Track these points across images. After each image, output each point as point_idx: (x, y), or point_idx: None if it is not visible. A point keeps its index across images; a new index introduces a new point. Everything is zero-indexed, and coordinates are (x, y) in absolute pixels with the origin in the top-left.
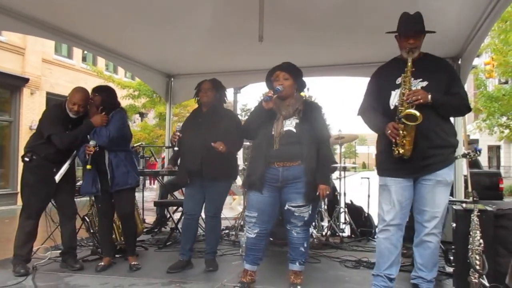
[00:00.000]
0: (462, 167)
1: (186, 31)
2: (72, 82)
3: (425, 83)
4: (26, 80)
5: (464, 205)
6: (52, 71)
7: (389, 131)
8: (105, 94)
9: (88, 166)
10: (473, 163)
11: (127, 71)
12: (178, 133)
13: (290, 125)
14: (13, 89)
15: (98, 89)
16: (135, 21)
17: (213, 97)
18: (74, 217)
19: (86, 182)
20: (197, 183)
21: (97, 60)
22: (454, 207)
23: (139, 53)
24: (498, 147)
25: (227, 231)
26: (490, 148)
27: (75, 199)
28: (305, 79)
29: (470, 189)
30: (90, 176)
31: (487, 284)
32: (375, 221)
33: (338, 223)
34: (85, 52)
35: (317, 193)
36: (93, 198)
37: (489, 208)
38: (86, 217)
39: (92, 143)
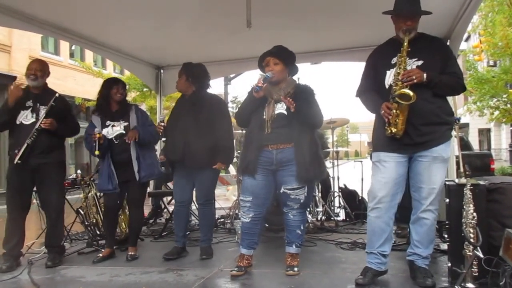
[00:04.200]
0: (453, 148)
1: (174, 21)
2: (60, 78)
3: (420, 62)
4: (13, 78)
5: (457, 180)
6: None
7: (382, 111)
8: (125, 88)
9: (97, 152)
10: (464, 146)
11: (116, 65)
12: (162, 124)
13: (281, 108)
14: (0, 88)
15: (123, 83)
16: (122, 12)
17: (184, 84)
18: (58, 213)
19: (103, 179)
20: (184, 171)
21: (85, 56)
22: (447, 182)
23: (127, 44)
24: (488, 130)
25: (222, 219)
26: (481, 131)
27: (69, 195)
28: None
29: (462, 169)
30: (106, 172)
31: (481, 256)
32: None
33: (332, 208)
34: (73, 48)
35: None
36: (87, 191)
37: (481, 182)
38: (80, 210)
39: (97, 130)
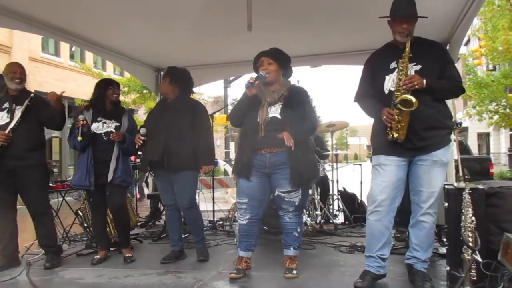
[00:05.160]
0: (452, 151)
1: (174, 23)
2: (60, 80)
3: (418, 67)
4: None
5: (455, 184)
6: (40, 69)
7: (384, 117)
8: (120, 90)
9: (79, 138)
10: (463, 150)
11: (116, 66)
12: (142, 137)
13: (275, 111)
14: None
15: (116, 84)
16: (123, 14)
17: (169, 86)
18: (42, 214)
19: (79, 174)
20: (164, 175)
21: (85, 57)
22: (446, 186)
23: (127, 46)
24: (488, 135)
25: (221, 222)
26: (480, 135)
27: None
28: (295, 69)
29: (461, 173)
30: (85, 167)
31: (480, 260)
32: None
33: (331, 211)
34: (73, 49)
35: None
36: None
37: (480, 187)
38: (79, 211)
39: (81, 117)
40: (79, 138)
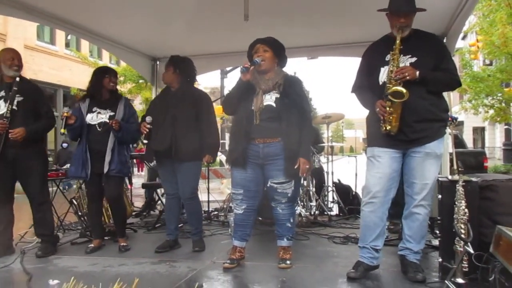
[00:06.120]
0: (447, 145)
1: (171, 12)
2: (56, 68)
3: (413, 59)
4: None
5: (449, 176)
6: (35, 58)
7: (378, 109)
8: (117, 79)
9: (62, 130)
10: (458, 143)
11: (112, 56)
12: (148, 126)
13: (270, 99)
14: None
15: (116, 72)
16: (119, 2)
17: (173, 75)
18: (42, 203)
19: (75, 165)
20: (168, 165)
21: (81, 46)
22: (440, 179)
23: (124, 35)
24: (483, 129)
25: (216, 212)
26: (475, 129)
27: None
28: (292, 60)
29: (455, 166)
30: (80, 159)
31: (471, 252)
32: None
33: (326, 202)
34: (68, 37)
35: (296, 167)
36: (81, 181)
37: (474, 179)
38: (73, 200)
39: (65, 109)
40: (62, 131)
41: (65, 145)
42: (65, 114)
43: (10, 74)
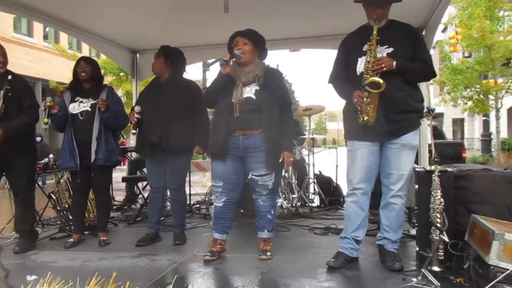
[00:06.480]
0: (426, 136)
1: (151, 4)
2: (34, 61)
3: (390, 50)
4: None
5: (426, 167)
6: (12, 50)
7: (355, 100)
8: (96, 66)
9: (45, 120)
10: (438, 135)
11: (91, 48)
12: (137, 115)
13: (249, 91)
14: None
15: (89, 60)
16: None
17: (163, 66)
18: (26, 198)
19: (64, 157)
20: (157, 157)
21: (59, 38)
22: (416, 169)
23: (103, 27)
24: (462, 120)
25: (197, 205)
26: (455, 121)
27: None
28: (274, 52)
29: (433, 156)
30: (68, 150)
31: (447, 240)
32: (344, 190)
33: (307, 194)
34: (47, 29)
35: (280, 161)
36: (66, 174)
37: (449, 169)
38: (52, 195)
39: (48, 98)
40: (45, 120)
41: (38, 138)
42: (48, 103)
43: None
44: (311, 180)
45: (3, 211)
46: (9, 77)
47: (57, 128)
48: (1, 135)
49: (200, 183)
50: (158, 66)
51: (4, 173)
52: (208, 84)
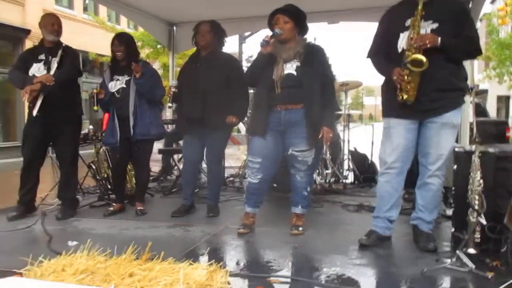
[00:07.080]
0: (468, 114)
1: None
2: (74, 33)
3: (435, 25)
4: (27, 32)
5: (467, 147)
6: None
7: (395, 77)
8: (130, 43)
9: (95, 108)
10: (481, 112)
11: (129, 20)
12: (173, 89)
13: (290, 68)
14: (15, 41)
15: (122, 38)
16: None
17: (211, 40)
18: (71, 166)
19: (107, 134)
20: (197, 131)
21: (98, 11)
22: (456, 149)
23: (141, 0)
24: (508, 98)
25: (232, 178)
26: (499, 98)
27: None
28: (312, 25)
29: (474, 136)
30: (111, 126)
31: (484, 223)
32: (379, 168)
33: (341, 170)
34: (86, 2)
35: (320, 136)
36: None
37: (490, 150)
38: (92, 164)
39: (94, 86)
40: (95, 108)
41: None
42: (95, 91)
43: (50, 39)
44: (345, 157)
45: (46, 179)
46: (63, 45)
47: (104, 109)
48: (50, 78)
49: (234, 156)
50: (207, 40)
51: (51, 143)
52: (244, 56)
